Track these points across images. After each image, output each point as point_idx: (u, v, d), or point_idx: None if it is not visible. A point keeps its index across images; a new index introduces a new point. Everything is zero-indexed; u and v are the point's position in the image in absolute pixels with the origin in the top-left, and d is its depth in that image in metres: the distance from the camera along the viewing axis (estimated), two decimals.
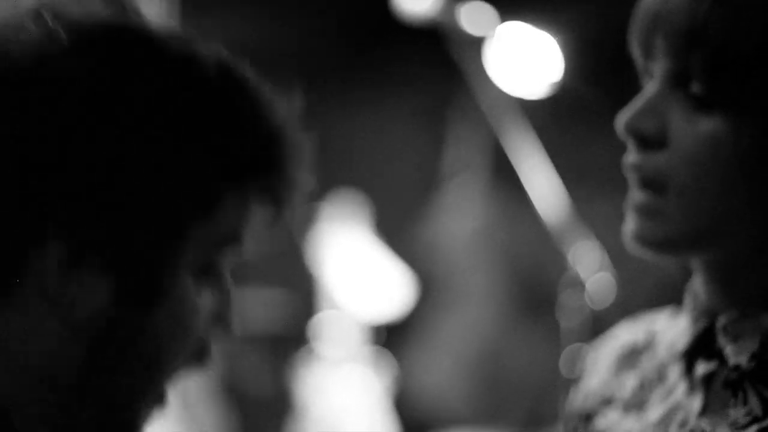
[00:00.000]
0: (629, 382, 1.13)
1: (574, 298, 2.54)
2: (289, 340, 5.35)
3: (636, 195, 1.02)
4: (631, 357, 1.16)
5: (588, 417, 1.16)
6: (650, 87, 1.02)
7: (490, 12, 2.73)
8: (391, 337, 5.54)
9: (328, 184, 5.28)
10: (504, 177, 3.17)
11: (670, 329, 1.13)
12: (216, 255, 0.98)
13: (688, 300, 1.08)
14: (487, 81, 2.76)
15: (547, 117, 3.54)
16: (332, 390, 5.00)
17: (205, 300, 0.98)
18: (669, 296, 1.17)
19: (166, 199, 0.91)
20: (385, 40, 5.19)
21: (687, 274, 1.09)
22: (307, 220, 5.21)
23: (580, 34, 3.28)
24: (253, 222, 1.01)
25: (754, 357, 1.00)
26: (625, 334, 1.19)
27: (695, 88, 0.99)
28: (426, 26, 2.65)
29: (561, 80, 3.02)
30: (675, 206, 0.99)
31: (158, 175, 0.91)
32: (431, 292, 5.61)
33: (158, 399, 0.99)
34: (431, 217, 5.73)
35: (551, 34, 3.04)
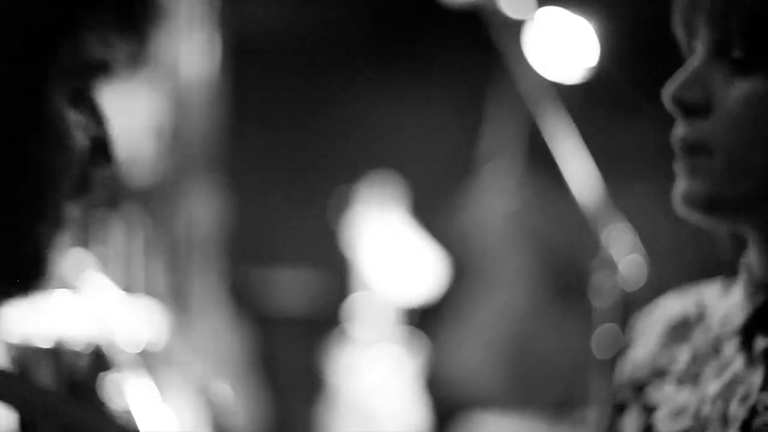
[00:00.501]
0: (682, 355, 1.14)
1: (607, 280, 2.56)
2: (323, 321, 5.38)
3: (685, 161, 1.04)
4: (682, 329, 1.16)
5: (639, 387, 1.16)
6: (693, 59, 1.05)
7: None
8: (424, 319, 5.56)
9: (364, 165, 5.31)
10: (539, 161, 3.18)
11: (722, 303, 1.13)
12: (86, 82, 1.01)
13: (742, 274, 1.08)
14: (525, 65, 2.77)
15: (582, 101, 3.57)
16: (365, 371, 5.03)
17: (80, 125, 1.00)
18: (701, 278, 1.18)
19: (26, 20, 0.96)
20: (423, 23, 5.20)
21: (719, 256, 1.10)
22: (343, 201, 5.24)
23: (616, 20, 3.29)
24: (119, 52, 1.03)
25: None
26: (673, 305, 1.20)
27: (736, 53, 1.01)
28: (466, 10, 2.66)
29: (596, 65, 3.03)
30: (723, 167, 1.01)
31: None
32: (465, 274, 5.62)
33: (56, 223, 1.00)
34: (466, 200, 5.74)
35: (588, 19, 3.06)
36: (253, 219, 5.52)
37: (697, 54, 1.05)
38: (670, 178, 1.07)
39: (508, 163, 5.26)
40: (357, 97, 5.60)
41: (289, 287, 5.39)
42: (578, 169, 2.63)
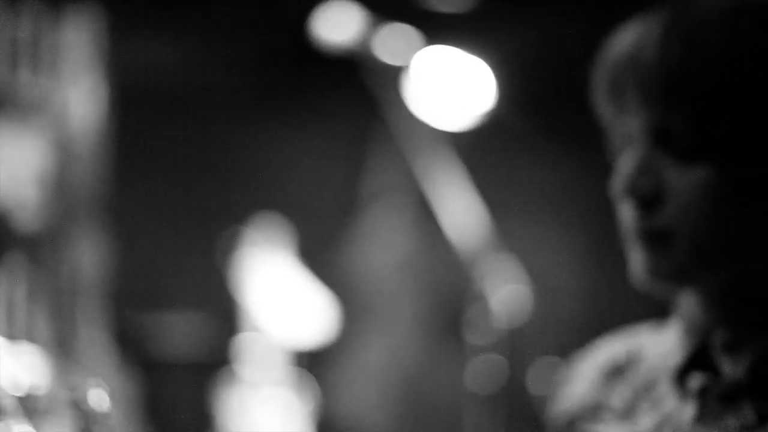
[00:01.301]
0: (618, 393, 1.16)
1: (483, 316, 2.62)
2: (212, 363, 5.35)
3: (645, 246, 1.06)
4: (617, 369, 1.19)
5: (572, 422, 1.19)
6: (637, 147, 1.06)
7: (412, 37, 2.77)
8: (313, 361, 5.56)
9: (250, 208, 5.31)
10: (424, 202, 3.22)
11: (656, 343, 1.16)
12: None
13: (678, 317, 1.12)
14: (405, 110, 2.81)
15: (465, 140, 3.62)
16: (254, 413, 5.02)
17: None
18: (588, 312, 1.23)
19: None
20: (309, 68, 5.23)
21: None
22: (230, 244, 5.23)
23: (509, 63, 3.35)
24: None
25: (750, 372, 1.04)
26: (609, 347, 1.22)
27: (680, 141, 1.03)
28: (344, 56, 2.69)
29: (489, 106, 3.08)
30: (686, 252, 1.04)
31: None
32: (353, 316, 5.64)
33: None
34: (352, 241, 5.77)
35: (481, 59, 3.09)
36: (142, 264, 5.46)
37: (638, 138, 1.06)
38: (557, 215, 1.10)
39: (394, 204, 5.31)
40: (243, 140, 5.60)
41: (178, 330, 5.35)
42: (461, 209, 2.69)
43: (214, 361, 5.35)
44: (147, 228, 5.29)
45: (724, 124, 1.02)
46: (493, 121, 3.17)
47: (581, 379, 1.22)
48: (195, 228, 5.49)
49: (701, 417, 1.05)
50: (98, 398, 1.06)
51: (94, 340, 4.90)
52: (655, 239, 1.05)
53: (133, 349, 5.14)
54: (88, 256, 4.92)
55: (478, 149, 4.43)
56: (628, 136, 1.08)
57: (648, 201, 1.05)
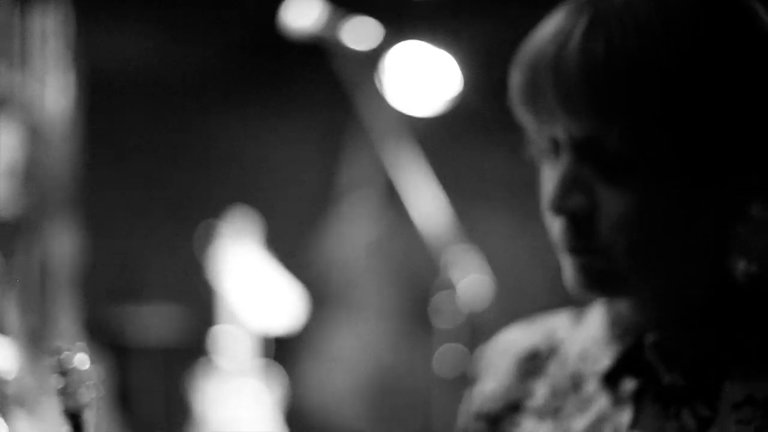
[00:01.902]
0: (539, 389, 1.14)
1: (449, 302, 2.64)
2: (188, 353, 5.36)
3: (577, 260, 1.03)
4: (533, 362, 1.16)
5: (493, 421, 1.16)
6: (564, 162, 1.01)
7: (375, 27, 2.79)
8: (284, 351, 5.58)
9: (226, 200, 5.32)
10: (393, 191, 3.24)
11: (577, 336, 1.14)
12: None
13: (607, 313, 1.09)
14: (376, 97, 2.83)
15: (433, 132, 3.64)
16: (228, 402, 5.03)
17: None
18: (546, 300, 1.22)
19: None
20: (283, 58, 5.23)
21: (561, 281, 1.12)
22: (205, 237, 5.24)
23: (474, 52, 3.37)
24: None
25: (686, 374, 1.03)
26: (522, 337, 1.19)
27: (609, 152, 0.98)
28: (311, 42, 2.70)
29: (454, 96, 3.10)
30: (615, 262, 1.01)
31: None
32: (325, 306, 5.65)
33: None
34: (326, 232, 5.79)
35: (447, 48, 3.11)
36: (117, 254, 5.47)
37: (565, 154, 1.01)
38: (520, 203, 1.08)
39: (368, 194, 5.33)
40: (216, 132, 5.60)
41: (153, 321, 5.35)
42: (428, 197, 2.71)
43: (188, 351, 5.36)
44: (119, 220, 5.29)
45: (651, 134, 0.97)
46: (457, 109, 3.18)
47: (492, 376, 1.19)
48: (167, 219, 5.49)
49: (639, 421, 1.04)
50: (81, 359, 1.04)
51: (67, 330, 4.90)
52: (585, 255, 1.02)
53: (107, 340, 5.14)
54: (60, 247, 4.92)
55: (442, 138, 4.46)
56: (553, 144, 1.03)
57: (577, 219, 1.01)
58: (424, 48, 2.96)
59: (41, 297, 4.80)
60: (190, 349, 5.36)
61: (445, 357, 2.72)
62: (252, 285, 5.20)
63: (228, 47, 5.59)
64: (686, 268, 1.04)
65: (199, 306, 5.44)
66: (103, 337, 5.11)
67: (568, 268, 1.04)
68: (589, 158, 1.00)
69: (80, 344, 1.12)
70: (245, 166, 5.64)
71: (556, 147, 1.02)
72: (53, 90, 3.94)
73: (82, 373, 1.03)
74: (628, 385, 1.06)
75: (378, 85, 2.89)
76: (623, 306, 1.07)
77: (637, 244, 1.00)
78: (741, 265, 1.07)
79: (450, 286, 2.66)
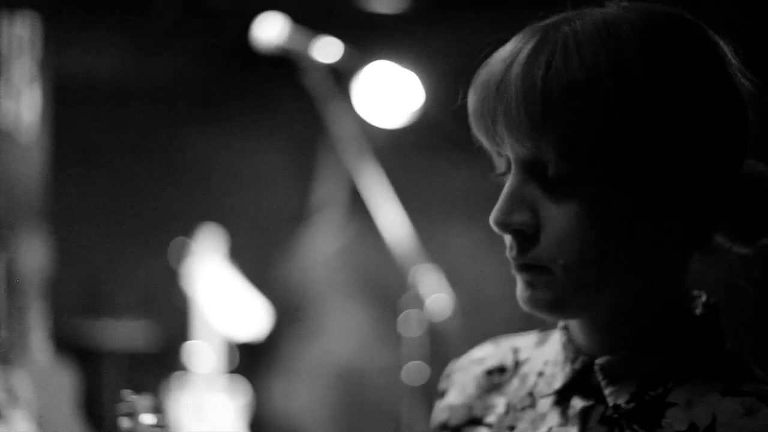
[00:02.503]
0: (498, 405, 1.17)
1: (415, 315, 2.67)
2: (155, 365, 5.36)
3: (524, 276, 1.05)
4: (496, 379, 1.19)
5: None
6: (511, 180, 1.04)
7: (340, 45, 2.82)
8: (251, 364, 5.58)
9: (193, 215, 5.33)
10: (359, 206, 3.27)
11: (537, 356, 1.17)
12: None
13: (562, 336, 1.11)
14: (343, 111, 2.85)
15: (398, 149, 3.66)
16: (196, 414, 5.03)
17: None
18: (506, 316, 1.24)
19: None
20: (250, 73, 5.25)
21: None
22: (177, 252, 5.24)
23: (439, 70, 3.40)
24: None
25: (632, 398, 1.04)
26: (488, 355, 1.22)
27: (552, 171, 1.00)
28: (280, 56, 2.72)
29: (417, 113, 3.12)
30: (563, 282, 1.02)
31: None
32: (292, 319, 5.67)
33: None
34: (295, 247, 5.80)
35: (410, 67, 3.14)
36: (86, 268, 5.46)
37: (512, 171, 1.04)
38: (483, 221, 1.09)
39: (335, 210, 5.34)
40: (188, 146, 5.60)
41: (122, 334, 5.35)
42: (392, 211, 2.74)
43: (156, 364, 5.36)
44: (88, 234, 5.29)
45: (592, 153, 0.99)
46: (421, 125, 3.21)
47: (458, 390, 1.22)
48: (136, 233, 5.49)
49: None
50: (146, 407, 1.14)
51: (34, 341, 4.90)
52: (532, 273, 1.04)
53: (76, 352, 5.14)
54: (29, 258, 4.91)
55: (406, 154, 4.48)
56: (507, 162, 1.06)
57: (523, 236, 1.03)
58: (388, 64, 2.99)
59: (9, 308, 4.79)
60: (159, 361, 5.36)
61: (411, 369, 2.74)
62: (220, 299, 5.21)
63: (199, 63, 5.59)
64: (635, 292, 1.05)
65: (168, 319, 5.44)
66: (72, 348, 5.11)
67: (518, 285, 1.06)
68: (534, 177, 1.02)
69: (148, 397, 1.19)
70: (214, 180, 5.65)
71: (509, 165, 1.05)
72: (22, 101, 3.95)
73: (148, 419, 1.13)
74: (578, 404, 1.08)
75: (345, 100, 2.91)
76: (577, 329, 1.10)
77: (578, 264, 1.01)
78: (694, 294, 1.10)
79: (416, 301, 2.69)
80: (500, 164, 1.07)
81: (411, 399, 2.75)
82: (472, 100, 1.05)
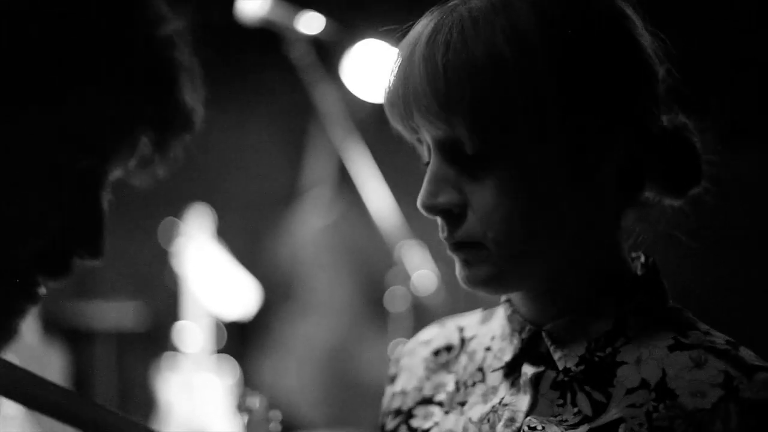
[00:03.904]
0: (447, 384, 1.18)
1: (403, 294, 2.67)
2: (145, 346, 5.37)
3: (459, 255, 1.07)
4: (444, 359, 1.21)
5: (408, 416, 1.21)
6: (432, 163, 1.06)
7: (328, 21, 2.81)
8: (240, 343, 5.59)
9: (182, 196, 5.33)
10: (346, 184, 3.26)
11: (484, 333, 1.19)
12: (75, 160, 0.98)
13: (507, 310, 1.13)
14: (332, 88, 2.85)
15: (380, 124, 3.65)
16: (186, 393, 5.04)
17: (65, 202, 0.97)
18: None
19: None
20: (239, 53, 5.24)
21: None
22: (167, 233, 5.24)
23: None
24: (141, 144, 1.02)
25: (582, 361, 1.06)
26: (435, 337, 1.25)
27: (468, 149, 1.03)
28: (263, 28, 2.71)
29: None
30: (497, 255, 1.04)
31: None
32: (280, 299, 5.68)
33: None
34: (285, 227, 5.81)
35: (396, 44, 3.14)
36: None
37: (432, 155, 1.06)
38: None
39: (323, 189, 5.35)
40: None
41: (113, 314, 5.36)
42: (378, 189, 2.74)
43: (146, 344, 5.37)
44: None
45: (502, 126, 1.01)
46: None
47: (407, 374, 1.24)
48: (126, 215, 5.47)
49: (536, 407, 1.07)
50: (258, 400, 1.23)
51: (26, 324, 4.89)
52: (466, 250, 1.06)
53: (66, 332, 5.14)
54: None
55: (390, 128, 4.49)
56: (428, 150, 1.07)
57: (449, 216, 1.05)
58: (375, 42, 2.98)
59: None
60: (149, 341, 5.37)
61: (397, 345, 2.75)
62: (209, 279, 5.22)
63: (187, 43, 5.58)
64: (570, 257, 1.07)
65: (158, 300, 5.45)
66: (61, 329, 5.11)
67: (456, 266, 1.08)
68: (454, 157, 1.05)
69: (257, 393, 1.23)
70: (202, 160, 5.62)
71: (430, 151, 1.07)
72: None
73: (261, 412, 1.22)
74: (528, 372, 1.09)
75: (332, 74, 2.91)
76: (520, 301, 1.12)
77: (506, 235, 1.03)
78: (633, 255, 1.12)
79: (402, 277, 2.69)
80: (424, 152, 1.09)
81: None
82: (385, 91, 1.07)
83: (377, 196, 2.77)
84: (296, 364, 5.77)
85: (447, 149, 1.05)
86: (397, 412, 1.22)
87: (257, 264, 5.51)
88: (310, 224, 5.62)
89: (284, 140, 5.78)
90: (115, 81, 0.96)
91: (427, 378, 1.21)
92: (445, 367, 1.20)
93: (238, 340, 5.53)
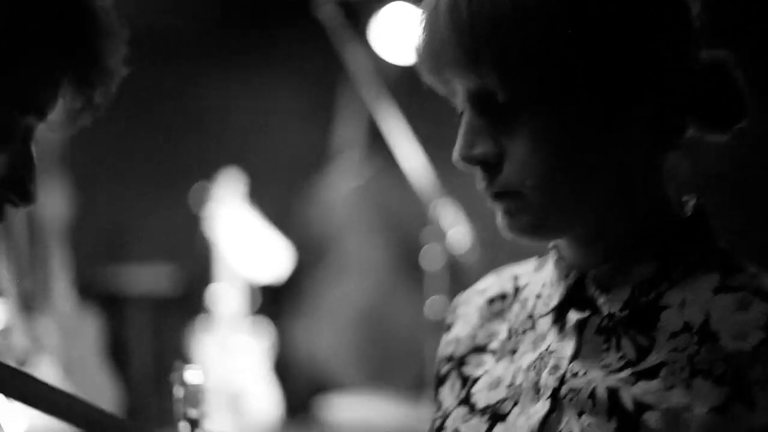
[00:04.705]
0: (500, 332, 1.18)
1: (437, 248, 2.67)
2: (179, 309, 5.40)
3: (499, 206, 1.06)
4: (498, 308, 1.21)
5: (460, 363, 1.20)
6: (466, 114, 1.05)
7: None
8: (274, 305, 5.62)
9: (215, 159, 5.34)
10: (380, 143, 3.25)
11: (536, 281, 1.18)
12: (17, 118, 1.03)
13: (554, 256, 1.13)
14: (362, 49, 2.84)
15: (411, 85, 3.63)
16: (221, 355, 5.07)
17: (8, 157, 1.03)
18: (523, 245, 1.24)
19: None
20: (270, 18, 5.23)
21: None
22: (199, 196, 5.26)
23: None
24: (63, 102, 1.06)
25: (626, 305, 1.05)
26: (490, 286, 1.24)
27: (501, 99, 1.02)
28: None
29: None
30: (537, 204, 1.03)
31: None
32: (315, 261, 5.69)
33: None
34: (317, 189, 5.81)
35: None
36: (109, 214, 5.49)
37: (465, 106, 1.05)
38: None
39: (356, 150, 5.34)
40: (209, 91, 5.60)
41: (146, 278, 5.38)
42: (411, 149, 2.73)
43: (180, 307, 5.40)
44: (109, 179, 5.29)
45: (531, 75, 1.00)
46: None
47: (463, 322, 1.24)
48: (158, 179, 5.50)
49: (581, 353, 1.07)
50: (196, 374, 1.19)
51: (58, 289, 4.92)
52: (506, 200, 1.05)
53: (100, 297, 5.18)
54: (50, 206, 4.93)
55: (424, 91, 4.47)
56: (462, 102, 1.06)
57: (486, 167, 1.04)
58: (404, 4, 2.98)
59: (32, 257, 4.81)
60: (183, 305, 5.40)
61: (433, 304, 2.75)
62: (242, 242, 5.23)
63: (218, 8, 5.57)
64: (612, 201, 1.06)
65: (191, 263, 5.47)
66: (95, 294, 5.15)
67: (498, 215, 1.07)
68: (487, 107, 1.03)
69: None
70: (234, 123, 5.64)
71: (462, 107, 1.06)
72: None
73: (199, 386, 1.17)
74: (573, 317, 1.09)
75: (361, 36, 2.89)
76: (565, 246, 1.11)
77: (546, 182, 1.03)
78: (683, 199, 1.10)
79: (437, 235, 2.69)
80: (459, 104, 1.07)
81: (434, 334, 2.75)
82: (415, 46, 1.06)
83: (410, 155, 2.76)
84: (331, 325, 5.80)
85: (480, 100, 1.03)
86: (449, 359, 1.22)
87: (290, 226, 5.52)
88: (342, 186, 5.63)
89: (315, 102, 5.78)
90: (53, 42, 1.03)
91: (481, 326, 1.21)
92: (499, 315, 1.20)
93: (273, 302, 5.55)
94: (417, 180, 2.74)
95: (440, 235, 2.65)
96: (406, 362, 5.48)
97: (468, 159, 1.04)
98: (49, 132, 1.11)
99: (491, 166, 1.04)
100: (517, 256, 1.24)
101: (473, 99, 1.04)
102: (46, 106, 1.04)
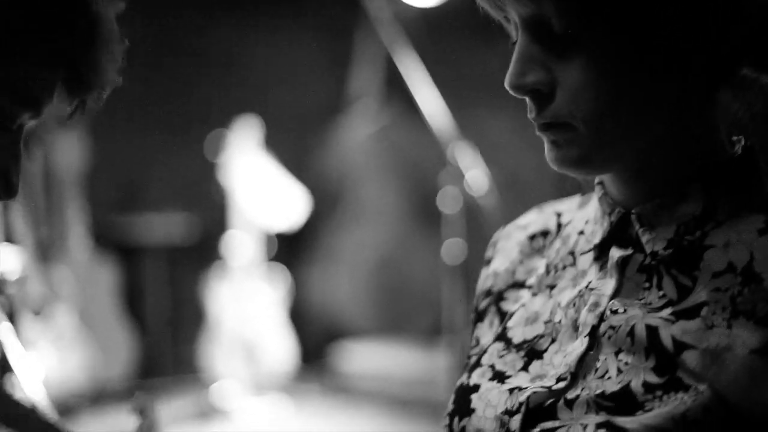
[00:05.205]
0: (539, 268, 1.17)
1: (454, 191, 2.65)
2: (195, 256, 5.41)
3: (548, 137, 1.04)
4: (540, 244, 1.20)
5: (498, 297, 1.20)
6: (519, 42, 1.03)
7: None
8: (292, 253, 5.62)
9: (231, 108, 5.32)
10: (396, 88, 3.24)
11: (579, 218, 1.17)
12: (15, 112, 1.03)
13: (598, 193, 1.11)
14: None
15: (429, 29, 3.59)
16: (236, 302, 5.08)
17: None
18: (540, 189, 1.23)
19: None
20: None
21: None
22: (215, 144, 5.24)
23: None
24: (57, 99, 1.06)
25: (670, 244, 1.04)
26: (533, 222, 1.23)
27: (556, 27, 1.00)
28: None
29: None
30: (586, 136, 1.01)
31: None
32: (331, 208, 5.68)
33: None
34: (334, 136, 5.79)
35: None
36: (125, 163, 5.49)
37: (519, 33, 1.03)
38: (515, 100, 1.07)
39: (374, 97, 5.32)
40: (225, 41, 5.58)
41: (162, 226, 5.39)
42: (429, 93, 2.71)
43: (196, 255, 5.41)
44: (124, 128, 5.28)
45: (585, 6, 0.98)
46: (458, 6, 3.16)
47: (502, 256, 1.23)
48: (174, 128, 5.49)
49: (622, 290, 1.06)
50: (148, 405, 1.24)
51: (74, 238, 4.93)
52: (554, 131, 1.03)
53: (116, 244, 5.19)
54: (66, 155, 4.93)
55: (442, 36, 4.41)
56: (516, 30, 1.05)
57: (537, 96, 1.02)
58: None
59: (48, 206, 4.82)
60: (198, 253, 5.40)
61: (450, 247, 2.73)
62: (257, 190, 5.22)
63: None
64: (661, 138, 1.04)
65: (207, 211, 5.47)
66: (111, 243, 5.16)
67: (545, 146, 1.05)
68: (542, 36, 1.01)
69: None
70: (250, 71, 5.62)
71: (516, 34, 1.04)
72: None
73: (153, 415, 1.22)
74: (615, 254, 1.07)
75: None
76: (610, 183, 1.09)
77: (597, 115, 1.01)
78: (734, 139, 1.08)
79: (454, 177, 2.67)
80: (511, 31, 1.05)
81: (450, 278, 2.74)
82: None
83: (428, 99, 2.73)
84: (347, 272, 5.80)
85: (535, 28, 1.01)
86: (488, 293, 1.22)
87: (305, 174, 5.51)
88: (358, 132, 5.60)
89: (332, 49, 5.75)
90: (50, 41, 1.04)
91: (521, 262, 1.21)
92: (540, 252, 1.19)
93: (288, 250, 5.54)
94: (434, 124, 2.72)
95: (458, 178, 2.63)
96: (421, 308, 5.48)
97: (519, 87, 1.02)
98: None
99: (542, 96, 1.02)
100: (534, 199, 1.23)
101: (528, 26, 1.02)
102: (42, 104, 1.04)
